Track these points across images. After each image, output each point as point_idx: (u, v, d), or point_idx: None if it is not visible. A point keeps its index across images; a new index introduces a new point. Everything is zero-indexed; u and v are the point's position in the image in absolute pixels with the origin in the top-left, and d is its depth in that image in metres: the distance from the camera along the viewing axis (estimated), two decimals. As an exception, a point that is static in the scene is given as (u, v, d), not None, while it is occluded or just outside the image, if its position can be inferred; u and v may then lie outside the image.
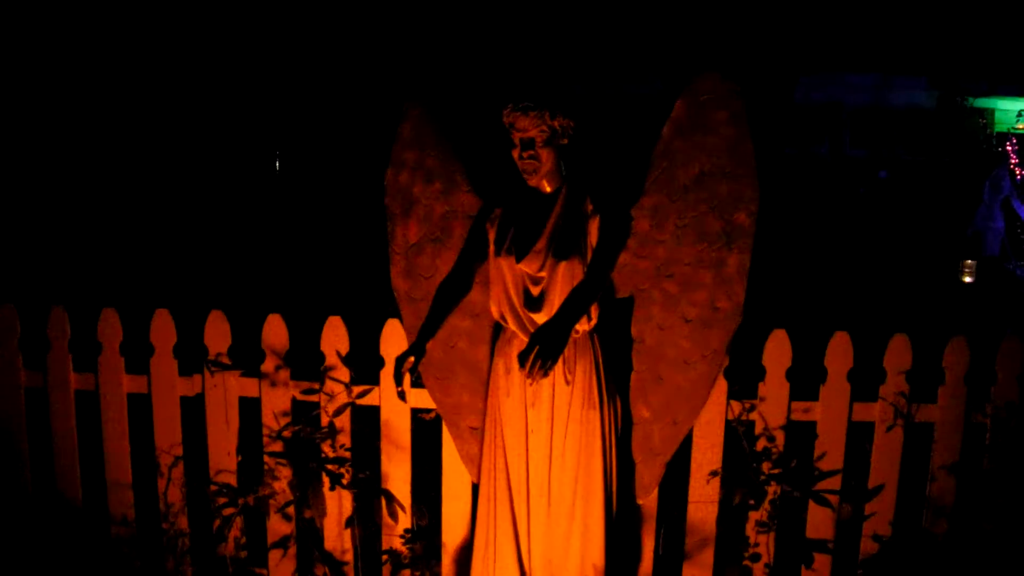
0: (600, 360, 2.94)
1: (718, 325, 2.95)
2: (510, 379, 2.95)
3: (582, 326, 2.88)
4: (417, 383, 3.26)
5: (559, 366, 2.89)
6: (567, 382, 2.90)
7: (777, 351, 3.21)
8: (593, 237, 2.86)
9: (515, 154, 2.86)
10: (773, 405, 3.23)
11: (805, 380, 3.29)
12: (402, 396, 2.81)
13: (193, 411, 3.48)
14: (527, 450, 2.97)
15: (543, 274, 2.85)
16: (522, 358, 2.50)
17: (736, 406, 3.23)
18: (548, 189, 2.92)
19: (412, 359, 2.80)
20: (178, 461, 3.49)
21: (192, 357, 3.45)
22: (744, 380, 3.24)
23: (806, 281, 8.72)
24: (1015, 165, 8.38)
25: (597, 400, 2.92)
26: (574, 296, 2.73)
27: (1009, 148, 8.35)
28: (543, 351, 2.50)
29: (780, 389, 3.22)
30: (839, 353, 3.23)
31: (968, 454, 3.34)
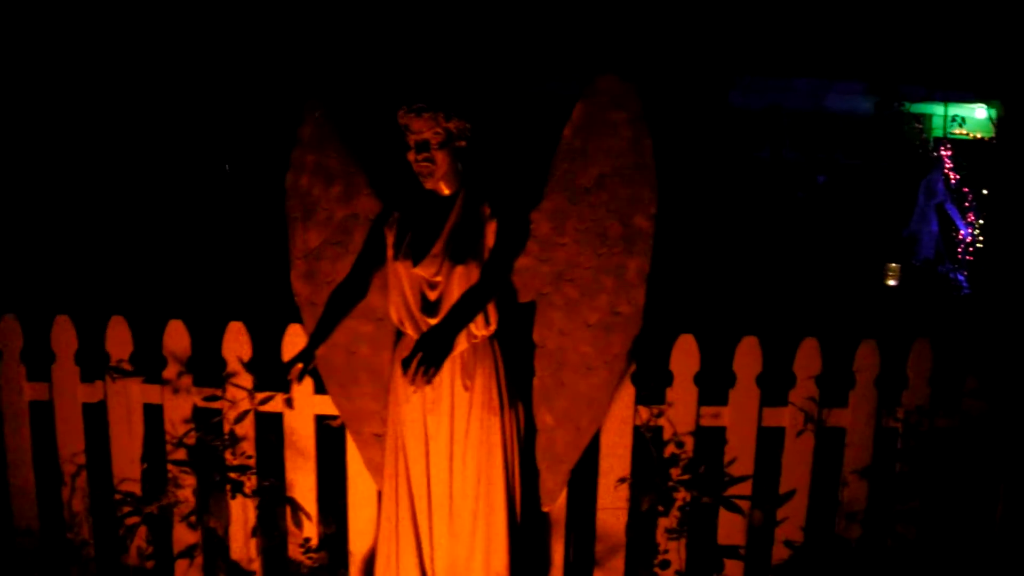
0: (500, 365, 2.82)
1: (619, 330, 2.83)
2: (408, 385, 2.82)
3: (480, 331, 2.75)
4: (321, 389, 3.13)
5: (457, 372, 2.77)
6: (466, 388, 2.77)
7: (685, 356, 3.10)
8: (491, 241, 2.74)
9: (410, 156, 2.73)
10: (681, 410, 3.11)
11: (716, 385, 3.18)
12: (289, 403, 2.68)
13: (98, 418, 3.32)
14: (427, 457, 2.84)
15: (439, 278, 2.73)
16: (405, 364, 2.38)
17: (644, 412, 3.12)
18: (446, 192, 2.79)
19: (300, 366, 2.65)
20: (81, 470, 3.34)
21: (95, 364, 3.29)
22: (653, 385, 3.11)
23: (728, 285, 8.50)
24: (949, 169, 8.31)
25: (497, 406, 2.80)
26: (463, 301, 2.61)
27: (943, 153, 8.28)
28: (426, 357, 2.38)
29: (688, 394, 3.11)
30: (748, 357, 3.12)
31: (880, 459, 3.23)
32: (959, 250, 8.40)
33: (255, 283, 3.74)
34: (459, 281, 2.70)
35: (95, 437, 3.34)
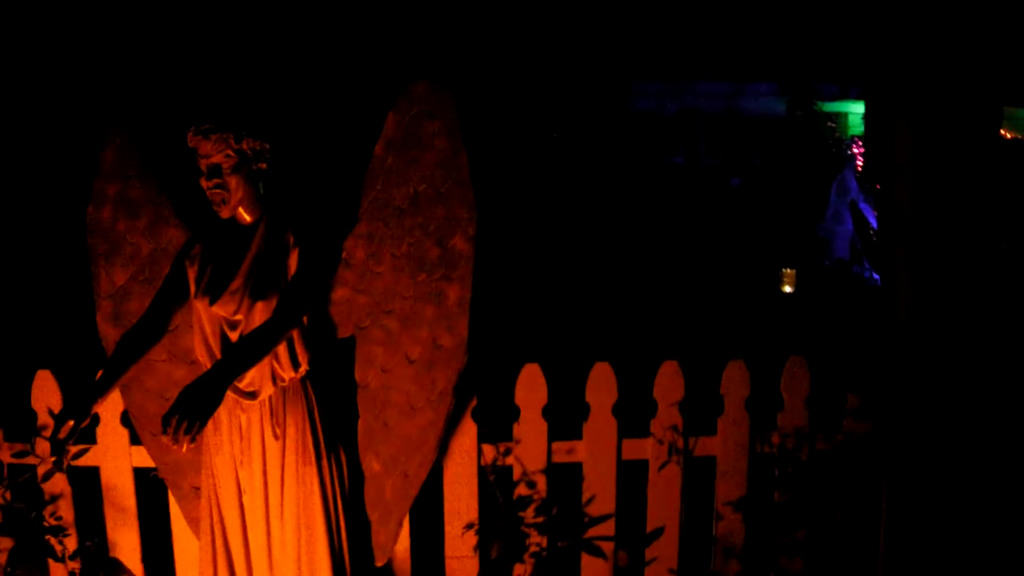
0: (316, 410, 2.47)
1: (442, 365, 2.49)
2: (218, 436, 2.47)
3: (290, 373, 2.40)
4: (137, 440, 2.77)
5: (266, 419, 2.42)
6: (276, 436, 2.43)
7: (530, 388, 2.75)
8: (293, 272, 2.39)
9: (203, 183, 2.37)
10: (530, 447, 2.76)
11: (571, 417, 2.83)
12: (59, 465, 2.30)
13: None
14: (242, 512, 2.48)
15: (239, 317, 2.38)
16: (164, 421, 1.99)
17: (489, 451, 2.77)
18: (248, 220, 2.45)
19: (72, 423, 2.25)
20: None
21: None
22: (497, 422, 2.77)
23: (599, 303, 7.60)
24: (861, 166, 7.93)
25: (313, 455, 2.45)
26: (244, 343, 2.23)
27: (856, 150, 7.91)
28: (187, 411, 1.99)
29: (537, 429, 2.76)
30: (602, 385, 2.78)
31: (756, 488, 2.89)
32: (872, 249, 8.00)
33: (70, 325, 3.35)
34: (261, 319, 2.35)
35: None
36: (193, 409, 2.01)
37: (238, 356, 2.19)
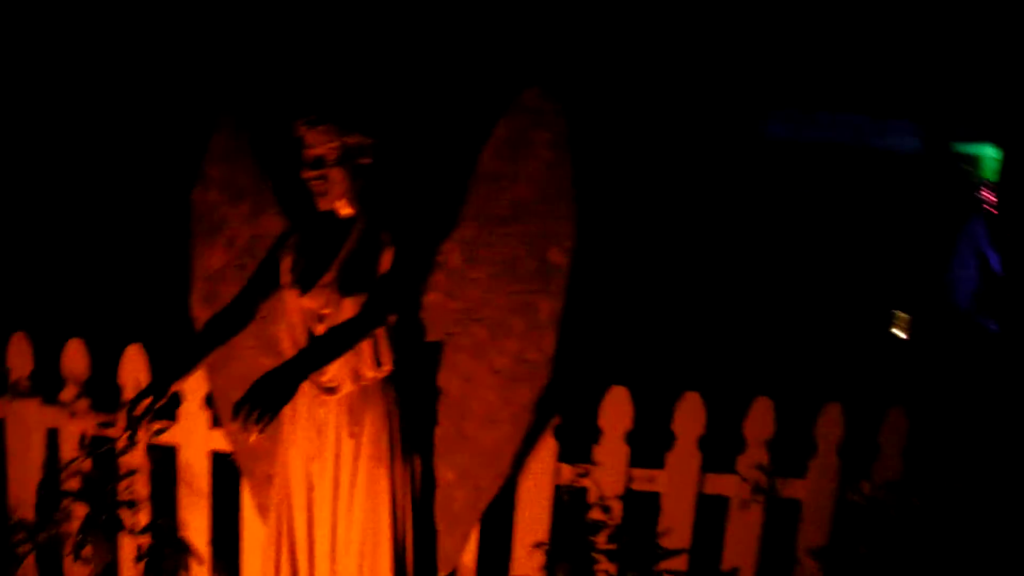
0: (394, 412, 2.42)
1: (527, 379, 2.41)
2: (294, 428, 2.45)
3: (371, 372, 2.36)
4: (218, 424, 2.77)
5: (344, 417, 2.37)
6: (352, 435, 2.38)
7: (616, 411, 2.66)
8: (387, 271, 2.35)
9: (304, 174, 2.35)
10: (609, 472, 2.67)
11: (653, 445, 2.72)
12: (132, 440, 2.29)
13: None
14: (311, 508, 2.45)
15: (327, 310, 2.34)
16: (236, 408, 1.97)
17: (567, 470, 2.68)
18: (345, 214, 2.42)
19: (150, 399, 2.24)
20: (-21, 492, 3.02)
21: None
22: (579, 441, 2.68)
23: (702, 331, 7.17)
24: (989, 211, 7.48)
25: (387, 457, 2.39)
26: (325, 338, 2.19)
27: (985, 194, 7.49)
28: (259, 401, 1.96)
29: (618, 454, 2.66)
30: (689, 416, 2.66)
31: (841, 537, 2.74)
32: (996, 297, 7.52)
33: (165, 303, 3.38)
34: (348, 315, 2.32)
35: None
36: (265, 399, 1.97)
37: (318, 350, 2.14)
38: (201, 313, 2.72)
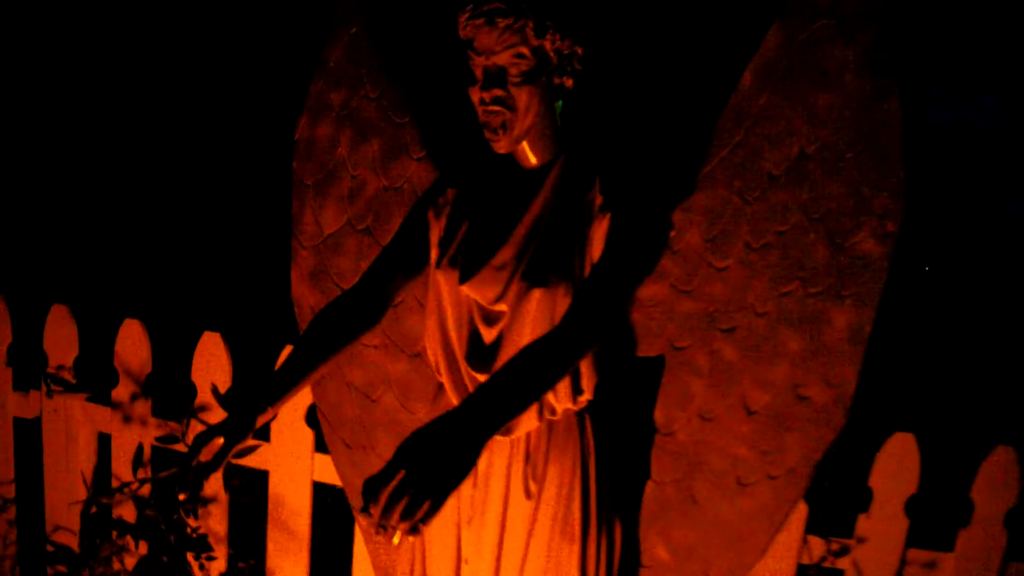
0: (591, 459, 1.55)
1: (804, 426, 1.51)
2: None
3: (564, 403, 1.49)
4: (324, 447, 1.92)
5: (518, 466, 1.53)
6: (528, 494, 1.52)
7: (895, 468, 1.76)
8: (598, 250, 1.44)
9: (474, 95, 1.44)
10: (879, 551, 1.78)
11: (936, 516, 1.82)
12: (188, 509, 1.45)
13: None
14: (459, 588, 1.60)
15: (502, 307, 1.47)
16: (370, 489, 1.08)
17: (818, 544, 1.79)
18: (533, 162, 1.52)
19: (219, 441, 1.38)
20: (8, 505, 2.23)
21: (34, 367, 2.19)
22: (833, 507, 1.79)
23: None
24: None
25: (579, 526, 1.54)
26: (520, 366, 1.27)
27: None
28: (417, 482, 1.06)
29: (894, 527, 1.77)
30: (994, 483, 1.75)
31: None
32: None
33: (257, 278, 2.52)
34: (538, 316, 1.44)
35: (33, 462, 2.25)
36: (427, 481, 1.07)
37: (510, 388, 1.23)
38: (305, 295, 1.87)
